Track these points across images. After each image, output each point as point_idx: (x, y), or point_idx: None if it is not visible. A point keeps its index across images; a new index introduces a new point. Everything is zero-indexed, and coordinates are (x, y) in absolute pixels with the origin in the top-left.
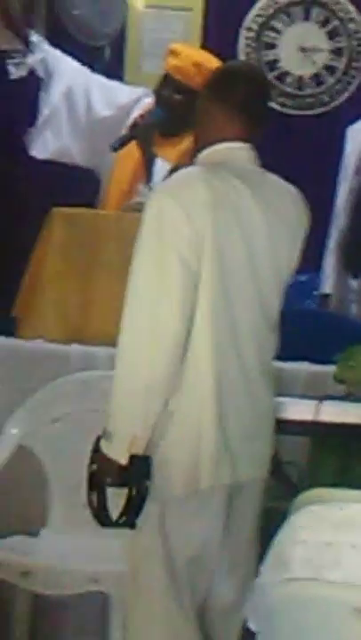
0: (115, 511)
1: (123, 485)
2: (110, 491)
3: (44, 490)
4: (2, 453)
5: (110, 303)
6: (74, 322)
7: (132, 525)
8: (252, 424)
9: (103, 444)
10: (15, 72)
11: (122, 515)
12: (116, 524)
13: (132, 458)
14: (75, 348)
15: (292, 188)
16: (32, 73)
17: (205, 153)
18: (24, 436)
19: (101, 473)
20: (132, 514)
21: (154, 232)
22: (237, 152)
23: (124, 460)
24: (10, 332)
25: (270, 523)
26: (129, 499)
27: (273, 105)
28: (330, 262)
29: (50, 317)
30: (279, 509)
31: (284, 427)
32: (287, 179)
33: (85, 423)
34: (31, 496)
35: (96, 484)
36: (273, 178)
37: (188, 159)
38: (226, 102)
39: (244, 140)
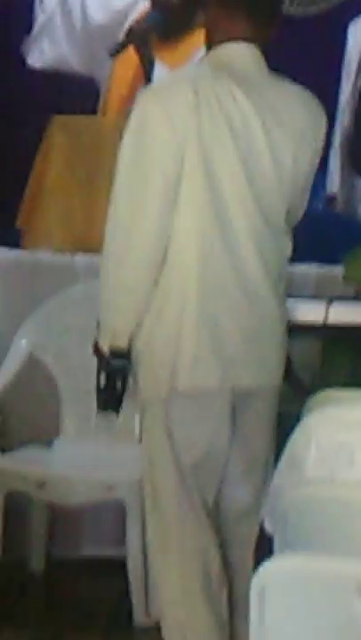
0: None
1: (108, 373)
2: None
3: (56, 400)
4: (12, 365)
5: None
6: (78, 230)
7: (115, 411)
8: (251, 326)
9: (96, 333)
10: None
11: (105, 401)
12: (103, 408)
13: (113, 352)
14: (80, 257)
15: (304, 92)
16: None
17: (209, 54)
18: (34, 347)
19: (97, 359)
20: (113, 402)
21: (135, 133)
22: (241, 52)
23: (106, 349)
24: (14, 243)
25: (284, 426)
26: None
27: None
28: (335, 162)
29: (54, 227)
30: (292, 412)
31: (294, 329)
32: (290, 78)
33: (94, 332)
34: (43, 407)
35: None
36: (280, 82)
37: (187, 61)
38: (229, 1)
39: (250, 40)
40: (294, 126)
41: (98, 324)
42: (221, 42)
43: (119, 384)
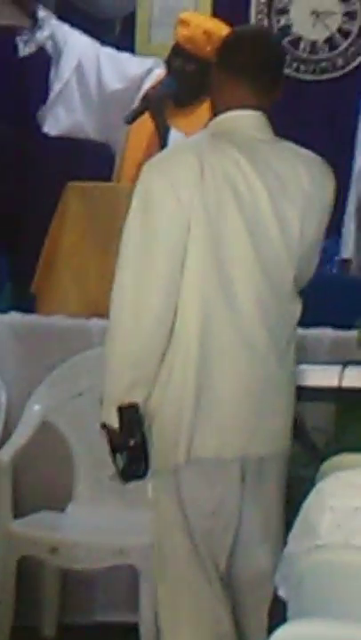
0: None
1: (121, 444)
2: None
3: (70, 465)
4: (26, 430)
5: None
6: (93, 295)
7: (143, 474)
8: (256, 394)
9: (100, 409)
10: (24, 49)
11: (130, 468)
12: (129, 477)
13: (121, 411)
14: (95, 321)
15: (311, 157)
16: (41, 49)
17: (213, 122)
18: (47, 412)
19: (107, 437)
20: (139, 463)
21: (140, 204)
22: (245, 120)
23: (114, 424)
24: (29, 308)
25: (297, 490)
26: (131, 451)
27: (287, 71)
28: (349, 227)
29: (69, 292)
30: (306, 477)
31: (308, 393)
32: (304, 145)
33: None
34: (56, 471)
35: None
36: (286, 146)
37: (202, 128)
38: (231, 68)
39: (254, 108)
40: (301, 193)
41: (101, 402)
42: (226, 109)
43: (137, 440)
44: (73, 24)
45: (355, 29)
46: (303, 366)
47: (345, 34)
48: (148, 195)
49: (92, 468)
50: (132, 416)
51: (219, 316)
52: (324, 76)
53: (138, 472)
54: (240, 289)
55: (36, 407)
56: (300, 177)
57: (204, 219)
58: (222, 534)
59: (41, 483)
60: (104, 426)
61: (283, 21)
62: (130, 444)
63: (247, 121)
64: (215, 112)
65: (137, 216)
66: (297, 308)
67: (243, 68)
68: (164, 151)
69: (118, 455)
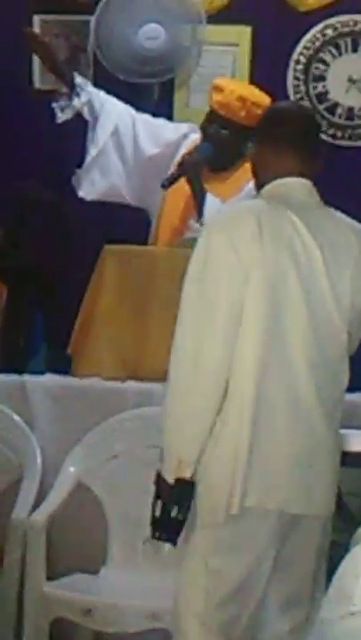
0: None
1: (170, 503)
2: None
3: (103, 527)
4: (61, 492)
5: (165, 339)
6: (129, 358)
7: (172, 542)
8: (303, 454)
9: (160, 463)
10: (61, 115)
11: (162, 531)
12: (158, 538)
13: (177, 481)
14: (130, 384)
15: (355, 224)
16: (78, 115)
17: (264, 189)
18: (82, 474)
19: (157, 488)
20: (172, 532)
21: (201, 263)
22: (295, 186)
23: (170, 480)
24: (65, 369)
25: (332, 556)
26: (171, 517)
27: (324, 137)
28: None
29: (105, 354)
30: (341, 542)
31: (344, 458)
32: (341, 210)
33: (143, 460)
34: (90, 534)
35: (155, 497)
36: (336, 213)
37: (238, 193)
38: (277, 139)
39: (300, 175)
40: (352, 260)
41: (161, 455)
42: (273, 178)
43: (181, 515)
44: (110, 90)
45: None
46: (342, 431)
47: None
48: (207, 252)
49: (125, 531)
50: (187, 492)
51: (272, 375)
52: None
53: (170, 539)
54: (293, 349)
55: (71, 469)
56: (351, 245)
57: (262, 276)
58: (245, 602)
59: (75, 544)
60: (159, 480)
61: (319, 88)
62: (176, 516)
63: (298, 187)
64: (261, 182)
65: (196, 273)
66: (345, 372)
67: (288, 138)
68: (225, 213)
69: (160, 502)
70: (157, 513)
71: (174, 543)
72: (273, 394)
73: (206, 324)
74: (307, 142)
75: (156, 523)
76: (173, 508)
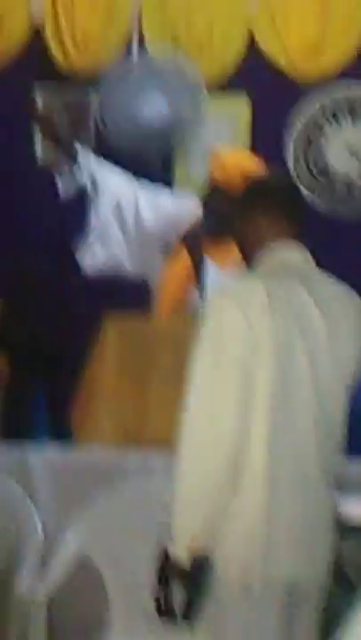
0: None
1: (185, 584)
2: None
3: (104, 599)
4: (62, 564)
5: (166, 408)
6: (130, 428)
7: (189, 622)
8: (308, 524)
9: (169, 543)
10: (64, 189)
11: (180, 610)
12: (175, 619)
13: (193, 559)
14: (131, 455)
15: (347, 289)
16: (80, 189)
17: (264, 256)
18: (84, 546)
19: (167, 571)
20: (191, 611)
21: (212, 334)
22: (293, 253)
23: (184, 557)
24: (66, 439)
25: (329, 623)
26: (188, 596)
27: (325, 210)
28: None
29: (106, 425)
30: (339, 610)
31: (345, 527)
32: (345, 281)
33: (144, 531)
34: (91, 606)
35: (161, 579)
36: (329, 278)
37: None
38: (269, 208)
39: (294, 239)
40: (349, 324)
41: (171, 531)
42: (269, 244)
43: (195, 593)
44: (111, 161)
45: None
46: (342, 498)
47: None
48: (219, 323)
49: (126, 604)
50: (201, 568)
51: (281, 445)
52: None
53: (186, 618)
54: (300, 421)
55: (73, 541)
56: (349, 312)
57: (272, 346)
58: None
59: (75, 616)
60: (166, 557)
61: (319, 158)
62: (189, 596)
63: (296, 254)
64: (252, 253)
65: (208, 344)
66: (342, 436)
67: (280, 205)
68: (230, 283)
69: (165, 583)
70: (165, 599)
71: (192, 623)
72: (285, 465)
73: (220, 395)
74: (295, 208)
75: (166, 609)
76: (188, 586)
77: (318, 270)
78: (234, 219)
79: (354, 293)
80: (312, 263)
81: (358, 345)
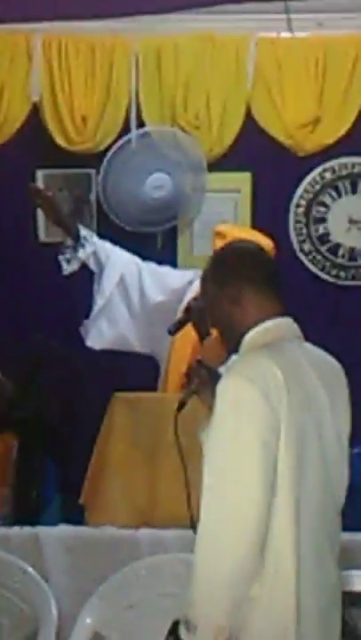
0: None
1: None
2: None
3: None
4: None
5: (177, 485)
6: (141, 505)
7: None
8: (325, 602)
9: (186, 636)
10: (67, 267)
11: None
12: None
13: None
14: (144, 532)
15: (333, 359)
16: (84, 266)
17: (259, 333)
18: (99, 624)
19: None
20: None
21: (232, 415)
22: (289, 327)
23: None
24: (78, 519)
25: None
26: None
27: (327, 277)
28: None
29: (117, 502)
30: None
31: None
32: (344, 350)
33: (159, 608)
34: None
35: None
36: (317, 349)
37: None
38: (258, 282)
39: (283, 315)
40: (341, 393)
41: (189, 626)
42: (255, 322)
43: None
44: (114, 239)
45: None
46: (353, 572)
47: None
48: (239, 399)
49: None
50: None
51: (302, 528)
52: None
53: None
54: (312, 496)
55: (88, 620)
56: (342, 383)
57: (290, 423)
58: None
59: None
60: (170, 635)
61: (320, 230)
62: None
63: (291, 328)
64: (240, 331)
65: (228, 424)
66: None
67: (268, 278)
68: (241, 362)
69: None
70: None
71: None
72: (304, 546)
73: (246, 479)
74: (277, 280)
75: None
76: None
77: (307, 343)
78: (217, 301)
79: (335, 360)
80: (301, 335)
81: (348, 413)
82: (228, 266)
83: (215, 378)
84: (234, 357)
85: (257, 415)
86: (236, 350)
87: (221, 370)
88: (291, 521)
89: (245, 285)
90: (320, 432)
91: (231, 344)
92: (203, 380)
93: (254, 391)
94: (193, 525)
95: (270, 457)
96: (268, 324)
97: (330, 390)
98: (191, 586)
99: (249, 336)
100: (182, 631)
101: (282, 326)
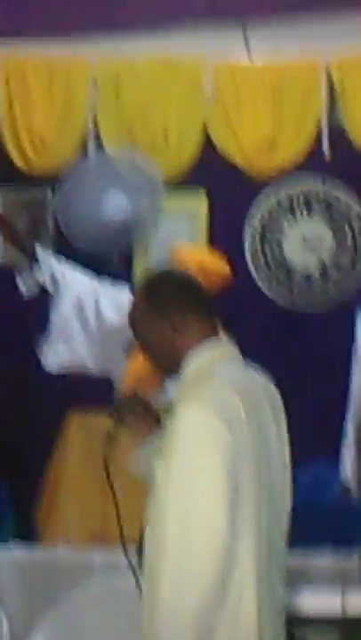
0: None
1: None
2: None
3: None
4: None
5: (131, 505)
6: (95, 525)
7: None
8: (276, 624)
9: None
10: (24, 288)
11: None
12: None
13: None
14: (97, 552)
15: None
16: (40, 288)
17: (202, 356)
18: None
19: None
20: None
21: (196, 447)
22: (232, 349)
23: None
24: (31, 538)
25: None
26: None
27: (284, 303)
28: (348, 452)
29: (71, 523)
30: None
31: (311, 620)
32: (303, 376)
33: (112, 629)
34: None
35: None
36: (257, 371)
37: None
38: (191, 305)
39: (218, 337)
40: (281, 415)
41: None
42: (192, 346)
43: None
44: (71, 257)
45: (346, 261)
46: (305, 592)
47: (337, 266)
48: (203, 434)
49: None
50: None
51: (263, 545)
52: (319, 309)
53: None
54: (267, 518)
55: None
56: (282, 410)
57: (251, 451)
58: None
59: None
60: None
61: (277, 253)
62: None
63: (231, 352)
64: (178, 357)
65: (192, 455)
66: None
67: (204, 302)
68: (199, 390)
69: None
70: None
71: None
72: (264, 566)
73: (210, 500)
74: (210, 302)
75: None
76: None
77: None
78: (157, 329)
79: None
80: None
81: (287, 438)
82: (167, 294)
83: (151, 411)
84: (175, 383)
85: (221, 446)
86: (174, 372)
87: (161, 398)
88: (253, 549)
89: (187, 312)
90: (269, 459)
91: (170, 368)
92: (137, 415)
93: (218, 422)
94: (124, 548)
95: (233, 486)
96: (209, 345)
97: (275, 414)
98: (153, 616)
99: (192, 360)
100: None
101: (223, 348)
